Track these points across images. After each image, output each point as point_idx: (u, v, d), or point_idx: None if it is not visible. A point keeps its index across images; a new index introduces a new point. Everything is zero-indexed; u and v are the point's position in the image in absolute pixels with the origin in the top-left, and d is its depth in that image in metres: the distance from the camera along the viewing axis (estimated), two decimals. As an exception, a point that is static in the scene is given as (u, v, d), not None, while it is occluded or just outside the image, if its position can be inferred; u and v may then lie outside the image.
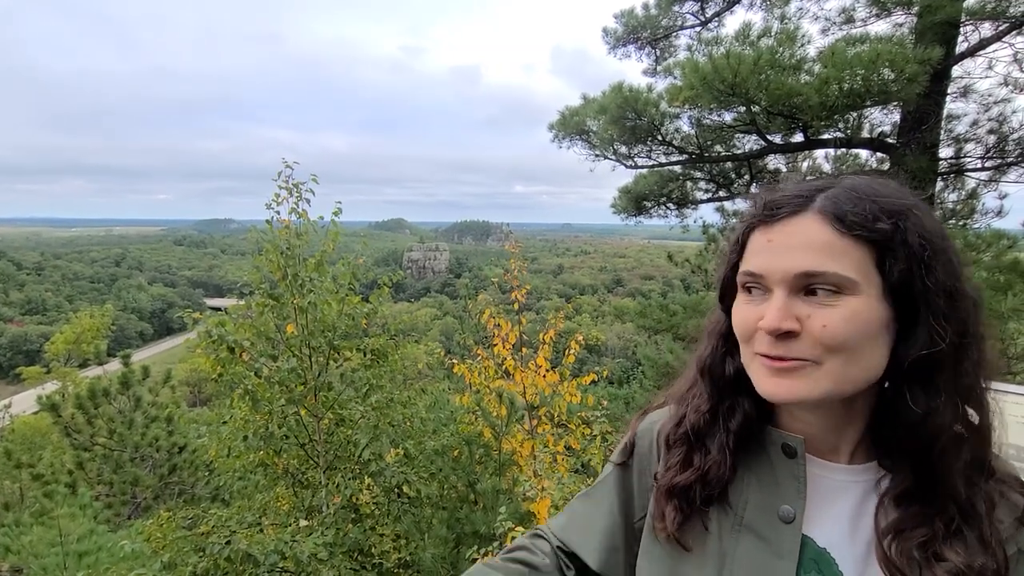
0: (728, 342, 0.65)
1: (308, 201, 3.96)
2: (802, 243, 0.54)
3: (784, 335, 0.53)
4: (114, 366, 7.88)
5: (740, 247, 0.60)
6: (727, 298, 0.64)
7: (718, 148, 6.00)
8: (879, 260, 0.53)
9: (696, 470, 0.64)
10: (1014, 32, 4.48)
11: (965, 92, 5.16)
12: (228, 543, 2.56)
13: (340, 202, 4.15)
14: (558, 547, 0.75)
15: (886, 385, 0.57)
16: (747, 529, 0.61)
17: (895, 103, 4.64)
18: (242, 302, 4.00)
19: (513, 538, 2.69)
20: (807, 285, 0.53)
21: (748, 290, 0.59)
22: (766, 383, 0.55)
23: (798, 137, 5.25)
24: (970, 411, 0.56)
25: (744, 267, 0.59)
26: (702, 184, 6.88)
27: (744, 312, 0.58)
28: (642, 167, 6.35)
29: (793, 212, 0.56)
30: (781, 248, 0.55)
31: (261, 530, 3.30)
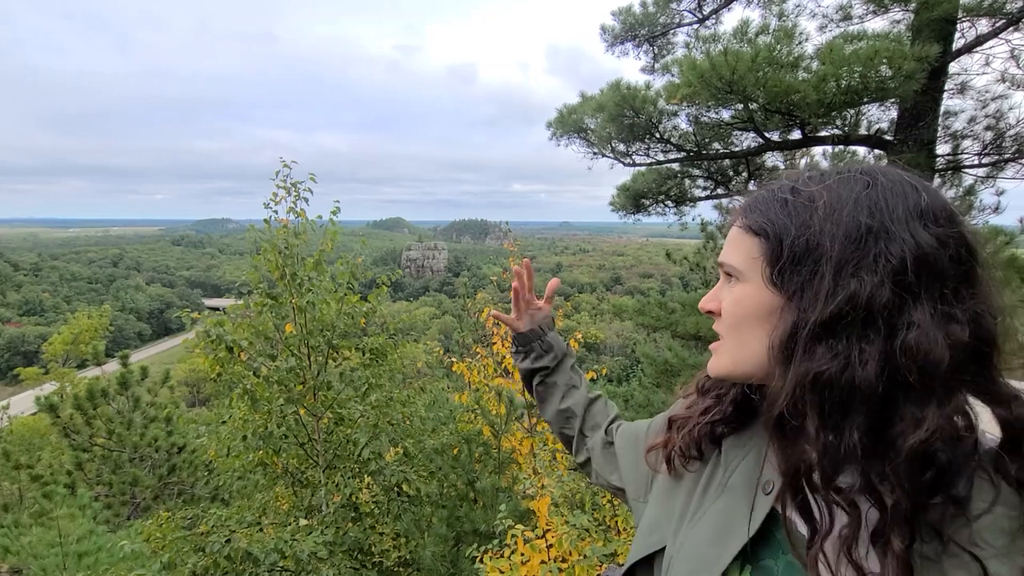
0: None
1: (307, 200, 3.96)
2: (727, 238, 0.64)
3: (709, 313, 0.65)
4: (112, 367, 7.85)
5: None
6: None
7: (716, 145, 6.00)
8: (766, 251, 0.58)
9: (689, 409, 0.74)
10: (1011, 28, 4.48)
11: (962, 89, 5.17)
12: (228, 541, 2.57)
13: (338, 201, 4.15)
14: (610, 424, 0.97)
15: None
16: (729, 490, 0.64)
17: (892, 100, 4.65)
18: (240, 302, 4.00)
19: (513, 535, 2.71)
20: (728, 273, 0.63)
21: None
22: None
23: (796, 134, 5.26)
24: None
25: None
26: (700, 181, 6.87)
27: None
28: (640, 165, 6.35)
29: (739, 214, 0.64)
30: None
31: (261, 529, 3.30)
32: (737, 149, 5.96)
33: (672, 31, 6.42)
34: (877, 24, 5.05)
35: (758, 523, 0.59)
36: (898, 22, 4.97)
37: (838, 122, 5.11)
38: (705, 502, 0.65)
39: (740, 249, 0.60)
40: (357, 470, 3.86)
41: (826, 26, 5.36)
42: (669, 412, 0.82)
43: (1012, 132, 4.94)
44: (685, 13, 6.27)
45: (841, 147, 5.74)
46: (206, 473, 7.17)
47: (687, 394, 0.80)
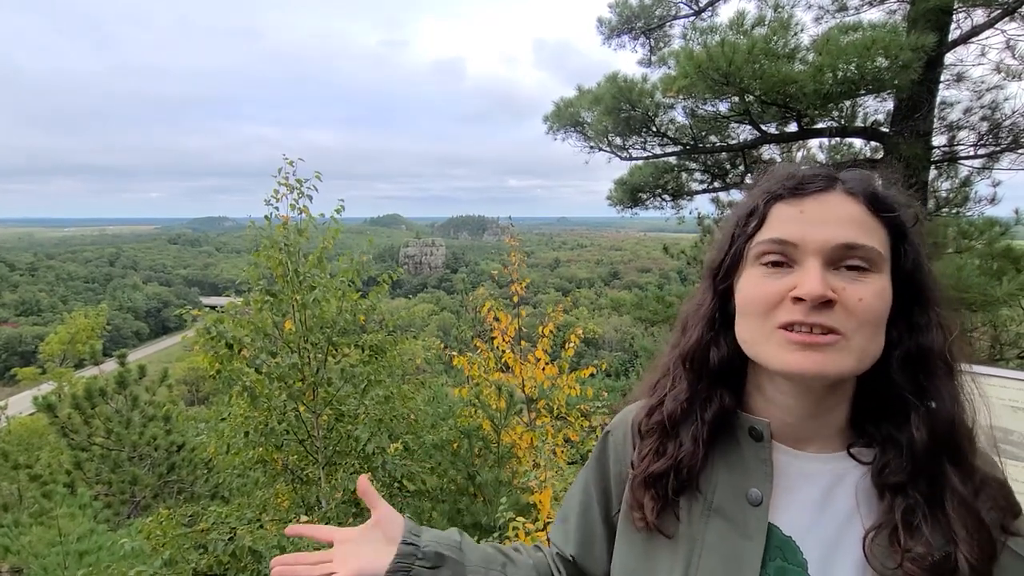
0: (713, 328, 0.64)
1: (310, 198, 3.95)
2: (838, 216, 0.54)
3: (821, 304, 0.52)
4: (110, 366, 7.84)
5: (760, 218, 0.59)
6: (729, 275, 0.62)
7: (713, 139, 6.00)
8: (894, 244, 0.56)
9: (670, 459, 0.64)
10: (1006, 18, 4.48)
11: (958, 79, 5.17)
12: (231, 539, 2.57)
13: (342, 200, 4.15)
14: (556, 554, 0.78)
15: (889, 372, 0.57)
16: (716, 513, 0.61)
17: (889, 91, 4.65)
18: (240, 299, 3.99)
19: (514, 528, 2.72)
20: (840, 259, 0.54)
21: (767, 264, 0.57)
22: (791, 357, 0.53)
23: (792, 127, 5.26)
24: (965, 402, 0.57)
25: (770, 235, 0.57)
26: (697, 175, 6.88)
27: (764, 284, 0.56)
28: (637, 159, 6.35)
29: (823, 188, 0.57)
30: (816, 219, 0.55)
31: (261, 526, 3.30)
32: (734, 142, 5.96)
33: (668, 23, 6.41)
34: (873, 15, 5.06)
35: (762, 542, 0.58)
36: (894, 12, 4.97)
37: (835, 114, 5.11)
38: (695, 533, 0.61)
39: (876, 235, 0.55)
40: (358, 466, 3.86)
41: (822, 17, 5.36)
42: (586, 486, 0.75)
43: (1008, 122, 4.94)
44: (681, 5, 6.25)
45: (837, 139, 5.75)
46: (206, 471, 7.16)
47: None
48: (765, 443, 0.60)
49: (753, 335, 0.57)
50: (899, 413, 0.56)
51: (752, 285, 0.58)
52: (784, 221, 0.57)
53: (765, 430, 0.60)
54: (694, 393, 0.64)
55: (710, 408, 0.63)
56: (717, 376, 0.63)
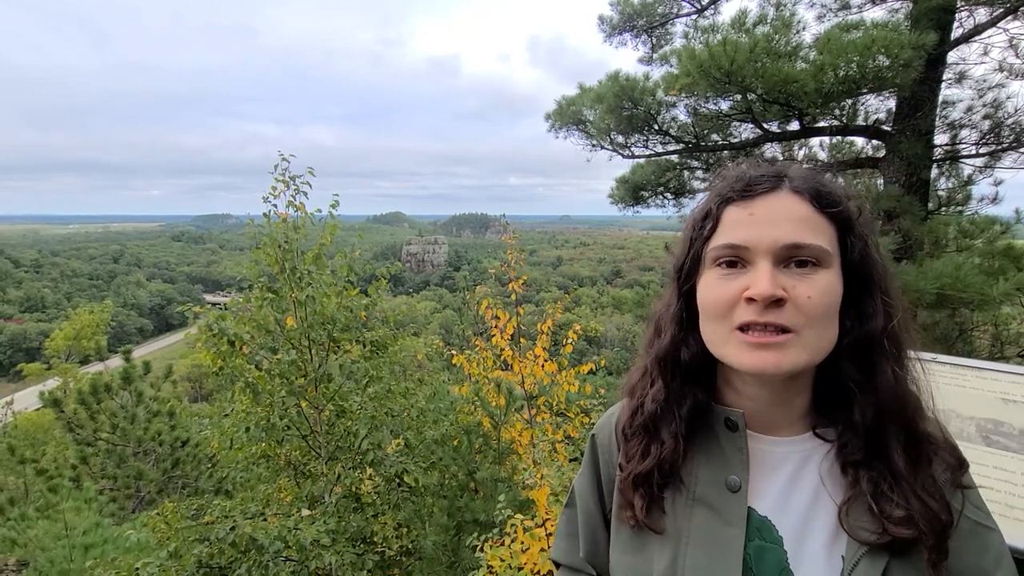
0: (683, 328, 0.66)
1: (306, 194, 3.96)
2: (785, 217, 0.57)
3: (772, 303, 0.55)
4: (115, 362, 7.89)
5: (714, 221, 0.61)
6: (691, 277, 0.65)
7: (715, 137, 5.99)
8: (841, 237, 0.59)
9: (654, 459, 0.67)
10: (1009, 17, 4.46)
11: (960, 78, 5.15)
12: (232, 529, 2.61)
13: (337, 195, 4.15)
14: None
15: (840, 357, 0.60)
16: (699, 502, 0.64)
17: (890, 89, 4.64)
18: (241, 297, 4.02)
19: (513, 525, 2.74)
20: (789, 257, 0.56)
21: (722, 265, 0.60)
22: (749, 357, 0.56)
23: (794, 125, 5.25)
24: (913, 377, 0.61)
25: (723, 240, 0.60)
26: (699, 173, 6.87)
27: (721, 286, 0.59)
28: (639, 157, 6.35)
29: (770, 189, 0.59)
30: (764, 221, 0.57)
31: (264, 519, 3.34)
32: (736, 140, 5.95)
33: (670, 21, 6.40)
34: (875, 13, 5.04)
35: (743, 526, 0.61)
36: (896, 11, 4.95)
37: (836, 112, 5.10)
38: (681, 524, 0.64)
39: (823, 232, 0.57)
40: (358, 461, 3.90)
41: (824, 15, 5.34)
42: (586, 485, 0.78)
43: (1010, 121, 4.93)
44: (683, 3, 6.24)
45: (839, 138, 5.74)
46: (209, 466, 7.22)
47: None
48: (740, 432, 0.64)
49: (714, 337, 0.61)
50: (851, 396, 0.60)
51: (709, 288, 0.61)
52: (735, 225, 0.59)
53: (740, 420, 0.64)
54: (670, 392, 0.67)
55: (685, 404, 0.66)
56: (690, 373, 0.66)
